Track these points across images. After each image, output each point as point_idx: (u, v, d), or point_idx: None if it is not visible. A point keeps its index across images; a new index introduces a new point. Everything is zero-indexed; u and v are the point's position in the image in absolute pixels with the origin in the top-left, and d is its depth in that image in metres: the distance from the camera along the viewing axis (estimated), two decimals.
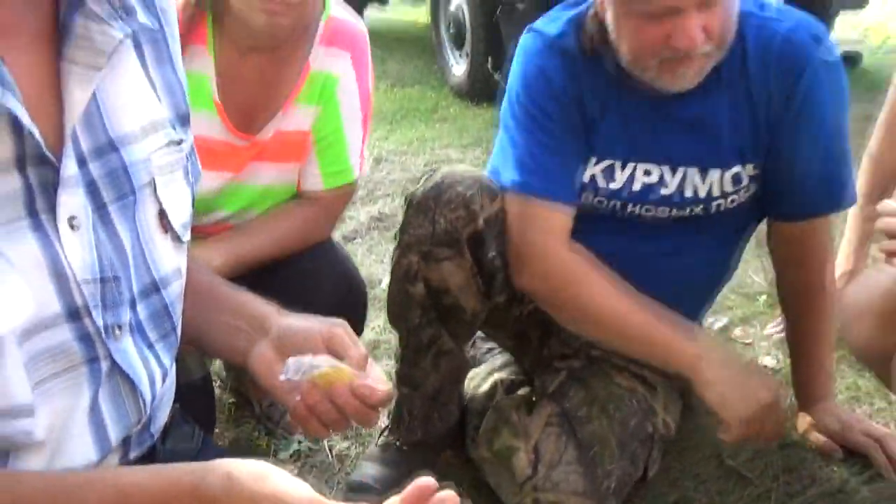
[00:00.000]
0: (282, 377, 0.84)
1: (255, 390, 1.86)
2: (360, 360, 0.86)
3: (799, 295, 1.58)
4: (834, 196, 1.49)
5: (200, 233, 1.54)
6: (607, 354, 1.60)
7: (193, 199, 0.90)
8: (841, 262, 1.94)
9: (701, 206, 1.47)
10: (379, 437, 1.67)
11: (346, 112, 1.53)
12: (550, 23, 1.47)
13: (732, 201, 1.47)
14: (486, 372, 1.74)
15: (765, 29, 1.38)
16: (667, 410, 1.57)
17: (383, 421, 1.76)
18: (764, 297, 2.14)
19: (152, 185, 0.81)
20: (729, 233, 1.56)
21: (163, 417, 0.89)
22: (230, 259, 1.44)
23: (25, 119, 0.67)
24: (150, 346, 0.82)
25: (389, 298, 1.53)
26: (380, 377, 0.86)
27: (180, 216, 0.85)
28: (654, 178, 1.45)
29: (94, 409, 0.76)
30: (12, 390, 0.68)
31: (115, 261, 0.76)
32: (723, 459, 1.60)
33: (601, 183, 1.47)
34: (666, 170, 1.45)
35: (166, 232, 0.83)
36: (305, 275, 1.52)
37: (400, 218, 2.91)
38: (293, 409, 0.85)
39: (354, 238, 2.79)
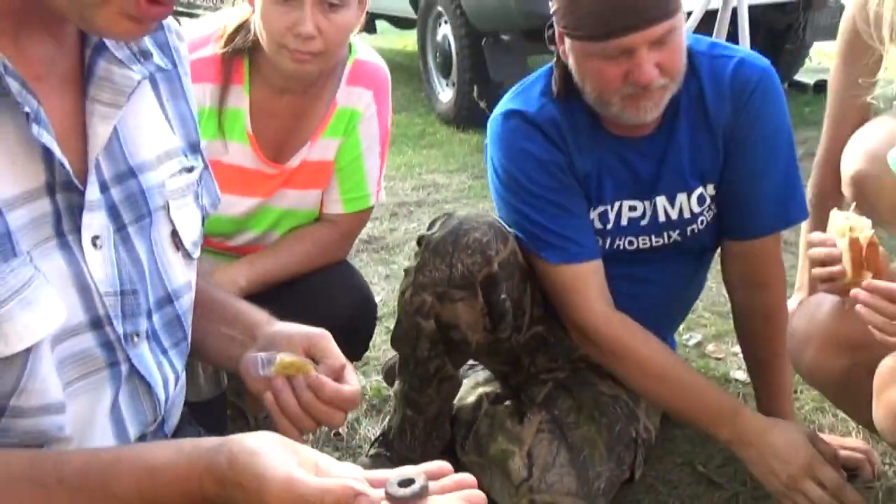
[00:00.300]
0: (253, 373, 0.94)
1: (251, 403, 1.95)
2: (336, 368, 0.95)
3: (755, 317, 1.67)
4: (788, 211, 1.59)
5: (231, 252, 1.67)
6: (591, 365, 1.70)
7: (204, 220, 0.99)
8: (802, 282, 2.06)
9: (677, 231, 1.60)
10: (370, 448, 1.76)
11: (365, 144, 1.68)
12: (524, 101, 1.56)
13: (702, 222, 1.59)
14: (469, 385, 1.84)
15: (716, 62, 1.53)
16: (648, 416, 1.68)
17: (374, 432, 1.85)
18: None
19: (166, 207, 0.90)
20: (697, 255, 1.68)
21: (175, 418, 0.98)
22: (255, 278, 1.59)
23: (58, 152, 0.76)
24: (165, 353, 0.91)
25: (398, 327, 1.63)
26: (354, 384, 0.94)
27: (191, 235, 0.94)
28: (637, 213, 1.58)
29: (115, 408, 0.85)
30: (48, 389, 0.76)
31: (133, 275, 0.85)
32: (695, 466, 1.71)
33: (598, 225, 1.60)
34: (646, 203, 1.58)
35: (178, 249, 0.92)
36: (321, 291, 1.66)
37: (388, 241, 3.07)
38: (268, 406, 0.93)
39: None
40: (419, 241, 1.58)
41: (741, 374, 2.02)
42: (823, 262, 1.28)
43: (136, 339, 0.85)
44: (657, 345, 1.56)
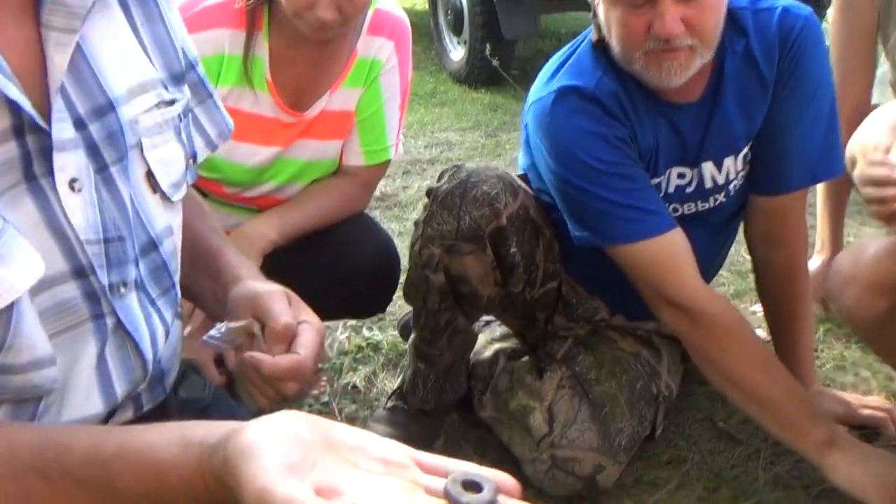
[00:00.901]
0: (196, 344, 0.91)
1: (245, 396, 1.94)
2: (279, 331, 0.87)
3: (777, 276, 1.64)
4: (828, 163, 1.51)
5: (251, 204, 1.65)
6: (611, 326, 1.69)
7: (196, 156, 0.92)
8: (823, 242, 2.04)
9: (722, 194, 1.56)
10: (387, 401, 1.75)
11: (386, 95, 1.65)
12: (577, 76, 1.45)
13: (742, 177, 1.56)
14: (485, 341, 1.82)
15: (760, 15, 1.47)
16: (670, 373, 1.66)
17: (392, 385, 1.84)
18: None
19: (139, 146, 0.81)
20: (731, 217, 1.65)
21: (174, 371, 0.93)
22: (286, 231, 1.59)
23: (12, 92, 0.67)
24: (153, 303, 0.85)
25: (408, 281, 1.61)
26: (305, 348, 0.86)
27: (170, 176, 0.85)
28: (685, 180, 1.54)
29: (101, 363, 0.79)
30: (35, 345, 0.71)
31: (119, 221, 0.78)
32: (715, 422, 1.70)
33: None
34: (693, 170, 1.53)
35: (155, 192, 0.84)
36: (347, 243, 1.66)
37: (401, 198, 3.04)
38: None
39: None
40: (428, 194, 1.56)
41: (761, 333, 1.99)
42: (878, 184, 1.23)
43: (122, 289, 0.79)
44: (753, 346, 1.46)
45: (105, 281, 0.77)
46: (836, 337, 1.97)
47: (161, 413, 0.90)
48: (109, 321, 0.79)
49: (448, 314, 1.58)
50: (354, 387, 1.91)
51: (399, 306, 2.16)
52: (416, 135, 3.86)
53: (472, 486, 0.54)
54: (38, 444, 0.66)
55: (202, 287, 0.99)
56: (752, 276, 2.24)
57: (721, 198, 1.57)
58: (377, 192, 3.01)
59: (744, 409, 1.48)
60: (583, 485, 1.50)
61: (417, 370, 1.66)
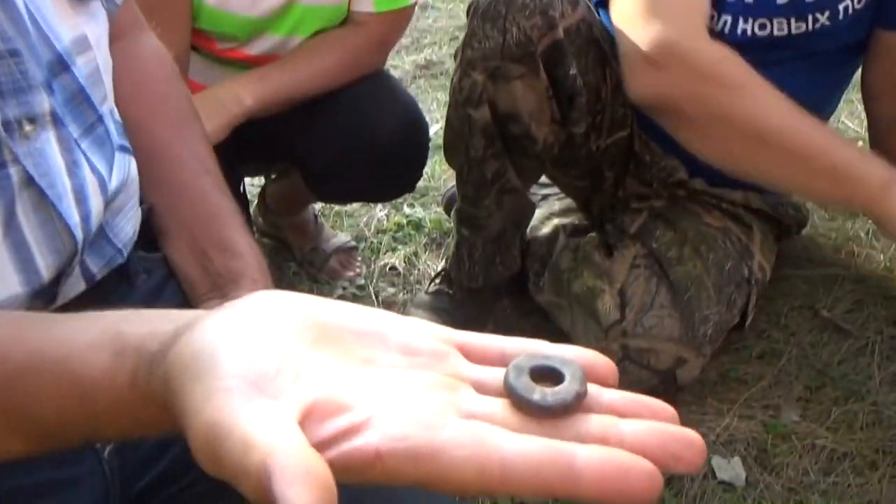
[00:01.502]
0: None
1: (293, 236, 1.72)
2: None
3: None
4: None
5: (248, 62, 1.36)
6: (694, 194, 1.42)
7: None
8: None
9: (826, 14, 1.24)
10: (430, 284, 1.53)
11: None
12: None
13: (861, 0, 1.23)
14: (543, 216, 1.57)
15: None
16: (762, 252, 1.41)
17: (435, 268, 1.61)
18: (860, 143, 1.92)
19: None
20: (839, 53, 1.33)
21: (129, 229, 0.70)
22: (267, 96, 1.29)
23: None
24: (77, 145, 0.63)
25: (447, 127, 1.36)
26: None
27: None
28: None
29: (11, 229, 0.58)
30: None
31: (8, 30, 0.57)
32: (817, 310, 1.45)
33: None
34: None
35: None
36: (364, 107, 1.36)
37: (448, 66, 2.75)
38: None
39: (405, 85, 2.59)
40: (468, 10, 1.29)
41: None
42: None
43: (27, 127, 0.58)
44: (773, 93, 1.12)
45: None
46: None
47: (118, 275, 0.68)
48: (14, 172, 0.57)
49: (495, 164, 1.33)
50: (393, 268, 1.69)
51: (444, 181, 1.93)
52: None
53: (547, 374, 0.34)
54: None
55: (181, 251, 0.74)
56: (856, 145, 1.95)
57: (825, 20, 1.25)
58: (421, 60, 2.76)
59: (777, 177, 1.17)
60: (659, 380, 1.26)
61: (462, 239, 1.43)
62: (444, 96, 2.52)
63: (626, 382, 1.23)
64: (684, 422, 1.08)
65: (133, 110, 0.73)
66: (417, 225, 1.82)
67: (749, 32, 1.26)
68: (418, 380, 0.34)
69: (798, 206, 1.54)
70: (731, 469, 1.17)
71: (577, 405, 0.33)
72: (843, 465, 1.17)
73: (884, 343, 1.36)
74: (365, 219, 1.85)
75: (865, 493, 1.12)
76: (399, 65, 2.75)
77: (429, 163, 2.08)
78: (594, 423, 0.33)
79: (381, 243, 1.77)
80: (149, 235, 0.73)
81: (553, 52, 1.24)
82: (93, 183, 0.62)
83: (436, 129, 2.27)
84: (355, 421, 0.31)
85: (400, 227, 1.82)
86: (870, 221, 1.67)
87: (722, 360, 1.36)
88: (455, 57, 1.33)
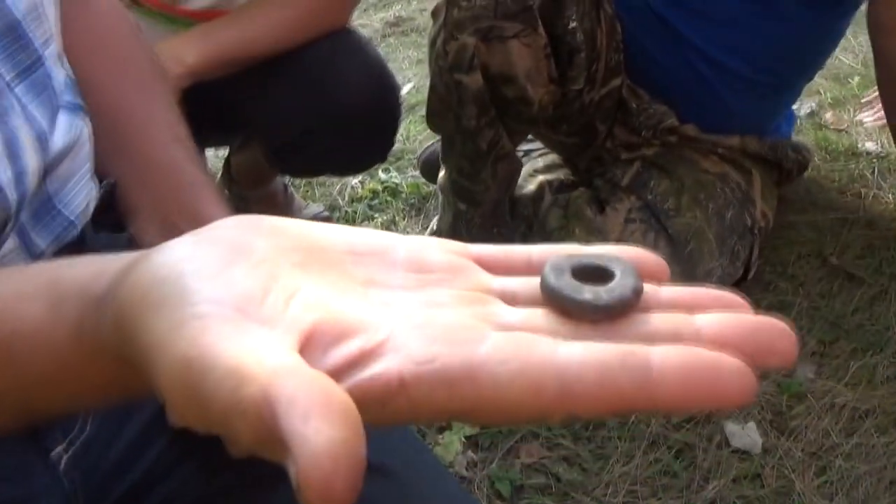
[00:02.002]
0: None
1: (261, 208, 1.60)
2: None
3: None
4: None
5: (192, 18, 1.22)
6: (687, 139, 1.32)
7: None
8: None
9: None
10: None
11: None
12: None
13: None
14: (526, 174, 1.47)
15: None
16: (764, 199, 1.31)
17: (416, 233, 1.50)
18: (857, 78, 1.83)
19: None
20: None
21: (81, 199, 0.60)
22: (212, 55, 1.16)
23: None
24: (8, 87, 0.52)
25: (431, 94, 1.28)
26: None
27: None
28: None
29: None
30: None
31: None
32: (826, 257, 1.36)
33: None
34: None
35: None
36: (327, 69, 1.23)
37: (419, 22, 2.63)
38: None
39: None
40: None
41: (872, 146, 1.61)
42: None
43: None
44: None
45: None
46: None
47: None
48: None
49: (490, 133, 1.24)
50: None
51: (419, 142, 1.81)
52: None
53: (591, 272, 0.28)
54: None
55: (151, 228, 0.65)
56: (852, 81, 1.85)
57: None
58: (390, 17, 2.64)
59: None
60: None
61: (459, 213, 1.33)
62: (416, 54, 2.40)
63: None
64: None
65: (92, 69, 0.64)
66: (394, 191, 1.71)
67: None
68: (437, 296, 0.28)
69: (798, 147, 1.44)
70: (746, 436, 1.08)
71: (636, 302, 0.27)
72: (866, 423, 1.08)
73: None
74: (338, 187, 1.74)
75: (893, 453, 1.04)
76: (367, 23, 2.63)
77: (403, 124, 1.97)
78: (661, 321, 0.26)
79: (356, 212, 1.66)
80: (113, 215, 0.63)
81: (551, 3, 1.12)
82: (28, 136, 0.52)
83: (408, 88, 2.16)
84: (368, 344, 0.24)
85: (375, 193, 1.71)
86: (875, 160, 1.57)
87: None
88: (434, 16, 1.21)
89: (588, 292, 0.27)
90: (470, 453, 1.08)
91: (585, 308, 0.26)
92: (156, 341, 0.25)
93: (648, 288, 0.28)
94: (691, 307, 0.27)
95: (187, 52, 1.13)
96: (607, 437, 1.09)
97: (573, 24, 1.16)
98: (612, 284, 0.27)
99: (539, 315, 0.27)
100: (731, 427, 1.09)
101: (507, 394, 0.23)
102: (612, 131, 1.37)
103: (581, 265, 0.28)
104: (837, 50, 1.78)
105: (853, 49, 1.82)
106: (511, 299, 0.28)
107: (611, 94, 1.29)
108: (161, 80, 0.72)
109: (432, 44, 1.23)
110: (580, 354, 0.24)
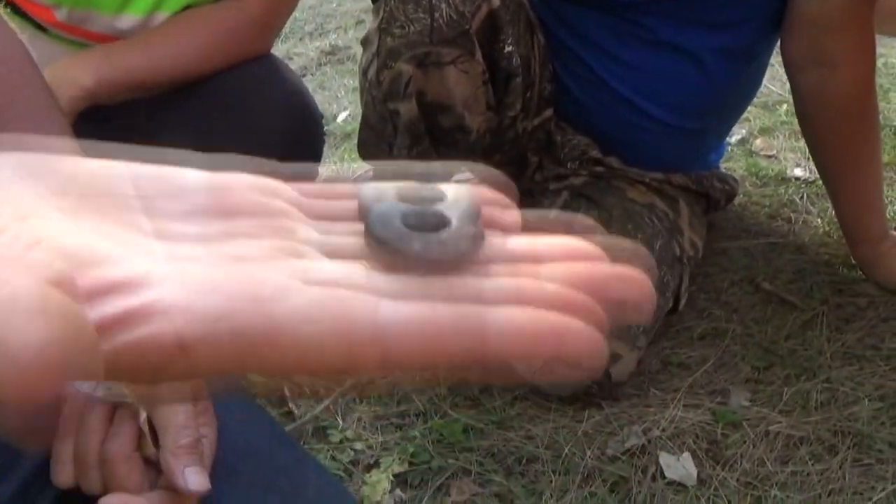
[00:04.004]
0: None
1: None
2: (183, 453, 0.55)
3: (828, 108, 1.23)
4: None
5: (93, 41, 1.16)
6: (614, 171, 1.31)
7: None
8: None
9: None
10: None
11: None
12: None
13: None
14: None
15: None
16: (692, 228, 1.29)
17: None
18: (785, 106, 1.85)
19: None
20: (741, 23, 1.22)
21: None
22: (111, 77, 1.08)
23: None
24: None
25: (363, 125, 1.25)
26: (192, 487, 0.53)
27: None
28: None
29: None
30: None
31: None
32: (758, 283, 1.34)
33: None
34: None
35: None
36: (243, 96, 1.17)
37: (355, 51, 2.61)
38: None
39: (304, 74, 2.43)
40: None
41: (800, 172, 1.63)
42: None
43: None
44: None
45: None
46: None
47: None
48: None
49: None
50: None
51: (353, 172, 1.78)
52: None
53: (424, 218, 0.24)
54: None
55: None
56: (780, 109, 1.87)
57: None
58: (326, 46, 2.62)
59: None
60: (592, 380, 1.14)
61: None
62: (351, 82, 2.38)
63: (556, 385, 1.12)
64: (625, 418, 0.91)
65: None
66: None
67: None
68: (241, 249, 0.23)
69: (725, 177, 1.44)
70: (682, 467, 1.06)
71: (474, 253, 0.23)
72: (801, 451, 1.06)
73: (831, 313, 1.26)
74: None
75: (827, 482, 1.02)
76: (303, 52, 2.61)
77: (336, 152, 1.94)
78: (502, 275, 0.23)
79: None
80: None
81: (489, 27, 1.11)
82: None
83: (344, 116, 2.13)
84: (136, 302, 0.20)
85: None
86: (804, 185, 1.59)
87: (662, 345, 1.25)
88: (364, 45, 1.18)
89: (417, 242, 0.23)
90: (399, 492, 1.03)
91: (414, 260, 0.23)
92: None
93: (492, 235, 0.24)
94: (540, 258, 0.24)
95: (85, 73, 1.06)
96: (541, 471, 1.06)
97: (509, 48, 1.14)
98: (445, 233, 0.23)
99: (363, 270, 0.23)
100: (666, 458, 1.06)
101: (315, 356, 0.21)
102: (542, 163, 1.35)
103: (413, 212, 0.24)
104: (766, 79, 1.80)
105: (780, 77, 1.84)
106: (333, 252, 0.24)
107: (543, 125, 1.28)
108: (53, 112, 0.69)
109: (364, 73, 1.20)
110: (405, 314, 0.21)
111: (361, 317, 0.21)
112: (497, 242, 0.24)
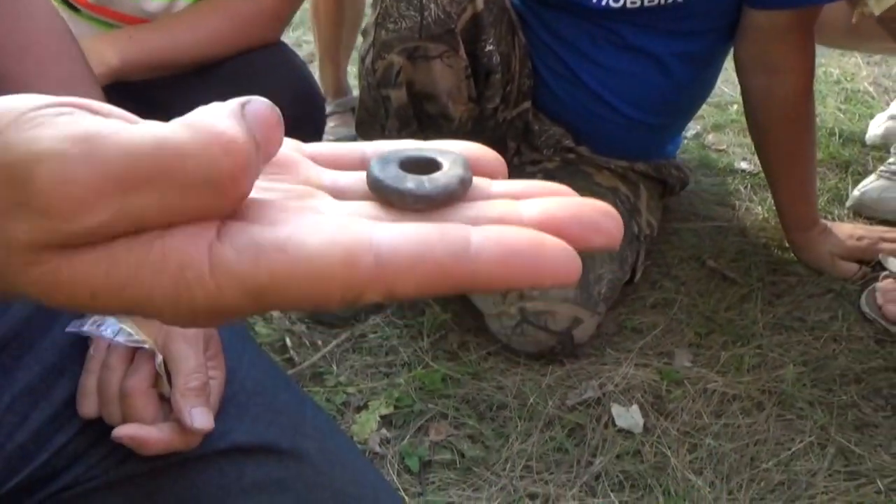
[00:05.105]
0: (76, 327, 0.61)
1: None
2: (178, 399, 0.59)
3: (772, 109, 1.37)
4: None
5: (121, 22, 1.27)
6: (584, 158, 1.45)
7: None
8: None
9: None
10: None
11: None
12: None
13: None
14: None
15: None
16: (650, 210, 1.45)
17: None
18: (735, 106, 2.01)
19: None
20: (701, 32, 1.37)
21: None
22: (136, 58, 1.18)
23: None
24: None
25: (361, 106, 1.36)
26: (198, 425, 0.57)
27: None
28: None
29: None
30: None
31: None
32: (704, 260, 1.50)
33: None
34: None
35: None
36: (251, 78, 1.28)
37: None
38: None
39: (310, 61, 2.51)
40: None
41: (746, 165, 1.79)
42: None
43: None
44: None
45: None
46: (829, 168, 1.77)
47: None
48: None
49: None
50: None
51: None
52: None
53: (420, 165, 0.28)
54: None
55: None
56: (731, 109, 2.03)
57: None
58: None
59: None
60: (556, 340, 1.28)
61: None
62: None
63: (525, 343, 1.27)
64: (584, 373, 1.10)
65: (17, 67, 0.67)
66: None
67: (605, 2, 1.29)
68: (261, 191, 0.26)
69: (680, 166, 1.59)
70: (630, 416, 1.21)
71: (461, 192, 0.26)
72: (733, 406, 1.22)
73: (765, 289, 1.43)
74: None
75: (754, 433, 1.18)
76: (310, 40, 2.67)
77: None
78: (485, 207, 0.26)
79: None
80: None
81: (473, 27, 1.23)
82: None
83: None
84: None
85: None
86: (748, 177, 1.75)
87: (619, 311, 1.40)
88: (364, 35, 1.30)
89: (411, 181, 0.26)
90: (384, 431, 1.17)
91: (407, 197, 0.26)
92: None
93: (479, 181, 0.27)
94: (519, 197, 0.26)
95: (111, 53, 1.15)
96: (508, 417, 1.20)
97: (490, 48, 1.26)
98: (437, 174, 0.26)
99: (365, 206, 0.26)
100: (617, 409, 1.22)
101: (318, 263, 0.22)
102: (520, 148, 1.49)
103: (409, 158, 0.28)
104: (719, 81, 1.96)
105: (732, 80, 1.99)
106: (340, 194, 0.27)
107: (521, 115, 1.41)
108: (89, 82, 0.73)
109: (362, 60, 1.31)
110: (398, 230, 0.23)
111: (359, 231, 0.23)
112: (483, 184, 0.27)
